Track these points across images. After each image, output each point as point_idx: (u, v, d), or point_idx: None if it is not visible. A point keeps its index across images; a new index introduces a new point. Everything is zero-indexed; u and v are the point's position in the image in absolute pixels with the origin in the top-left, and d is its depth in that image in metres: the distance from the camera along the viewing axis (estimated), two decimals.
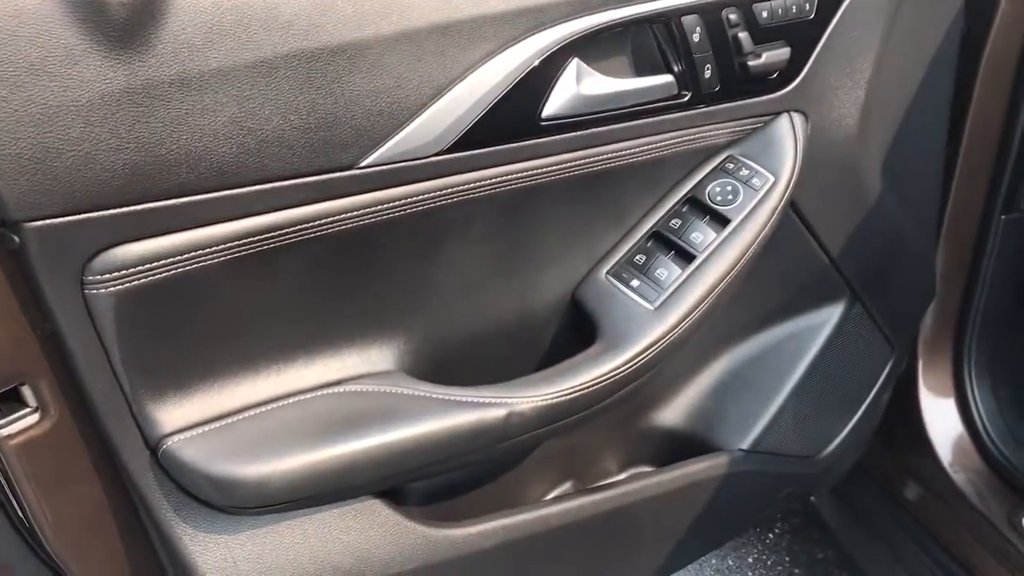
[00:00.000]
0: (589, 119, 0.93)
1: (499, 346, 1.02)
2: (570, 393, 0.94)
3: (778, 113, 1.08)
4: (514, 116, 0.89)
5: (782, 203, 1.05)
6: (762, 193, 1.04)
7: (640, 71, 0.98)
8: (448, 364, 0.98)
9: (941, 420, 1.57)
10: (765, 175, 1.05)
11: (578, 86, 0.91)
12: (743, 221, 1.04)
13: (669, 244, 1.05)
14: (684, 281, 1.02)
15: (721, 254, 1.02)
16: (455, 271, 0.95)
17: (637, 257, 1.04)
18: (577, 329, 1.04)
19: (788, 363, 1.28)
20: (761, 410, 1.27)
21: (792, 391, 1.28)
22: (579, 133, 0.93)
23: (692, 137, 1.03)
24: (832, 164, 1.13)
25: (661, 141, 1.01)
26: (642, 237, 1.06)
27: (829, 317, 1.29)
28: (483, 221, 0.94)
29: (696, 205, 1.06)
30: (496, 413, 0.90)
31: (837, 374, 1.33)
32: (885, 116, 1.18)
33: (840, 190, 1.17)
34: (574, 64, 0.91)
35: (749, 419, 1.27)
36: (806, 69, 1.06)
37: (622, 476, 1.30)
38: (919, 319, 1.43)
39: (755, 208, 1.04)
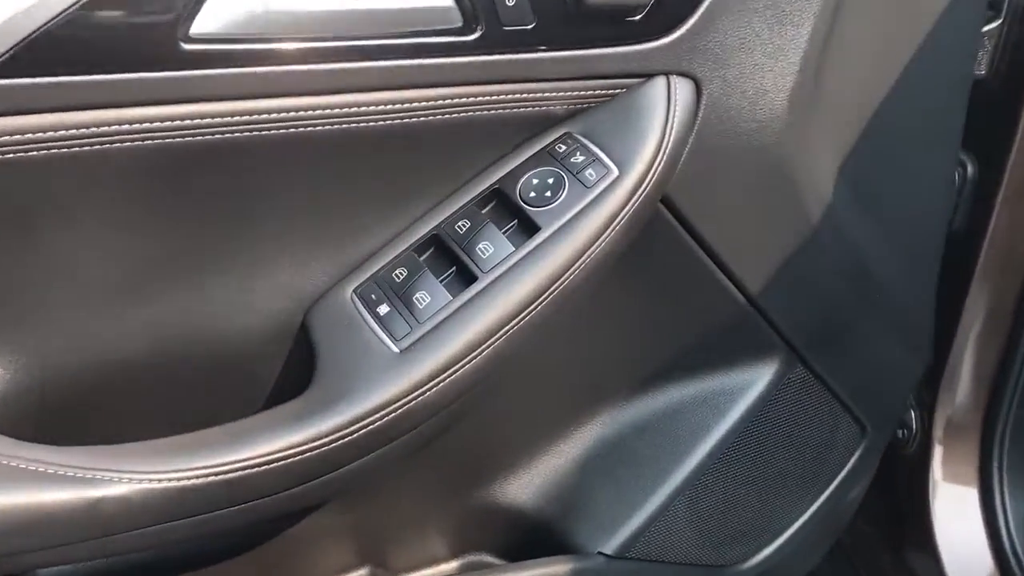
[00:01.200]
0: (288, 50, 0.59)
1: (168, 388, 0.69)
2: (223, 472, 0.60)
3: (648, 76, 0.70)
4: (130, 32, 0.55)
5: (631, 209, 0.68)
6: (596, 192, 0.68)
7: None
8: (74, 408, 0.65)
9: (957, 525, 1.20)
10: (605, 165, 0.68)
11: None
12: (560, 231, 0.68)
13: (448, 256, 0.69)
14: (452, 314, 0.66)
15: (516, 277, 0.67)
16: (75, 268, 0.62)
17: (398, 271, 0.69)
18: (300, 371, 0.70)
19: (686, 440, 0.91)
20: (640, 500, 0.91)
21: (691, 477, 0.91)
22: (273, 70, 0.59)
23: (504, 101, 0.68)
24: (743, 159, 0.76)
25: (446, 101, 0.66)
26: (415, 243, 0.71)
27: (753, 380, 0.91)
28: (117, 194, 0.61)
29: (502, 202, 0.71)
30: (74, 496, 0.57)
31: (768, 459, 0.95)
32: (841, 96, 0.79)
33: (759, 199, 0.79)
34: None
35: (622, 512, 0.91)
36: (700, 11, 0.69)
37: (453, 565, 0.95)
38: (904, 391, 1.03)
39: (582, 213, 0.68)
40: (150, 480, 0.59)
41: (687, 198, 0.75)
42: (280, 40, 0.60)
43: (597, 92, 0.71)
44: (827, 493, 1.03)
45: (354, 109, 0.64)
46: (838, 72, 0.79)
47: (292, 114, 0.62)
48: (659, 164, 0.69)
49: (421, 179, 0.71)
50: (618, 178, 0.69)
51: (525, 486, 0.92)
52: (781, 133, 0.77)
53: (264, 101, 0.60)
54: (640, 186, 0.69)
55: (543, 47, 0.67)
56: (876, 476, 1.10)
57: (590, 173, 0.69)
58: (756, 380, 0.92)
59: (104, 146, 0.58)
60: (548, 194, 0.69)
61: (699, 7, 0.70)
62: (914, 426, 1.16)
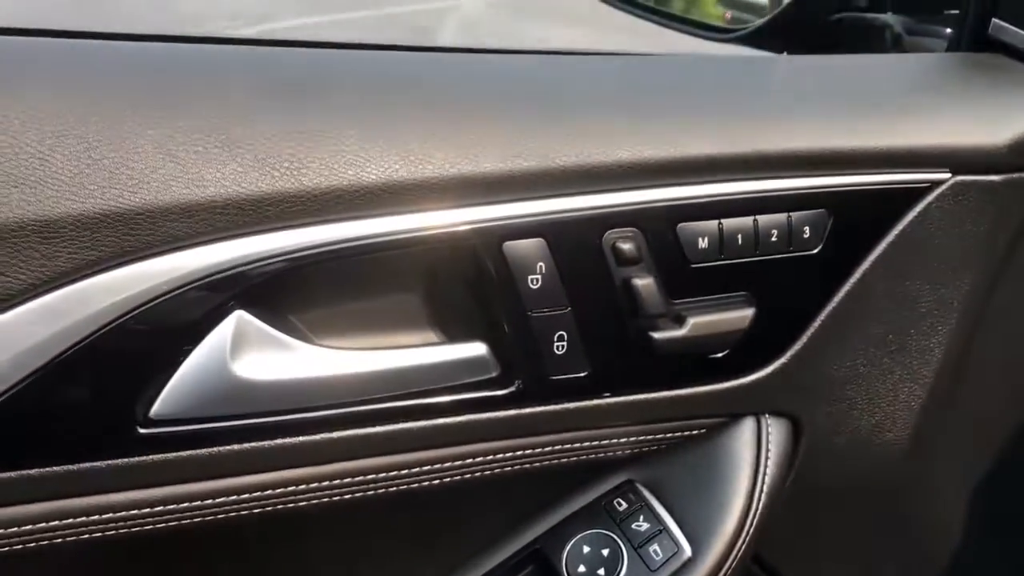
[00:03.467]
0: (270, 423, 0.47)
1: None
2: None
3: (732, 416, 0.57)
4: (77, 414, 0.44)
5: None
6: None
7: (406, 326, 0.50)
8: None
9: None
10: (676, 541, 0.54)
11: (234, 365, 0.45)
12: None
13: None
14: None
15: None
16: None
17: None
18: None
19: None
20: None
21: None
22: (250, 446, 0.47)
23: (549, 454, 0.54)
24: (852, 506, 0.61)
25: (476, 460, 0.53)
26: None
27: None
28: None
29: (543, 572, 0.57)
30: None
31: None
32: (972, 414, 0.64)
33: (871, 544, 0.63)
34: (233, 323, 0.44)
35: None
36: (801, 342, 0.55)
37: None
38: None
39: None
40: None
41: (780, 552, 0.60)
42: (262, 415, 0.47)
43: (667, 436, 0.57)
44: None
45: (354, 479, 0.51)
46: (973, 390, 0.63)
47: (274, 491, 0.49)
48: (745, 538, 0.55)
49: (438, 543, 0.57)
50: (691, 561, 0.54)
51: None
52: (901, 473, 0.61)
53: (235, 480, 0.48)
54: (719, 571, 0.54)
55: (600, 394, 0.53)
56: None
57: (655, 551, 0.55)
58: None
59: (55, 540, 0.47)
60: (601, 573, 0.55)
61: (799, 338, 0.56)
62: None
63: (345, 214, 0.46)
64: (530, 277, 0.49)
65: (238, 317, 0.45)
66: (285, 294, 0.47)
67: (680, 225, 0.51)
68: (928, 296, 0.58)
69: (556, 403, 0.53)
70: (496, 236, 0.48)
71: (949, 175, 0.56)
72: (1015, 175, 0.57)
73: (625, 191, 0.50)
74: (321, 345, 0.48)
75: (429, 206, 0.47)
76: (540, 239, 0.49)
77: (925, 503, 0.64)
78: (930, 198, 0.56)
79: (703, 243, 0.52)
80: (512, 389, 0.52)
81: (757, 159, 0.52)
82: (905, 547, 0.66)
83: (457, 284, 0.50)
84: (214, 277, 0.44)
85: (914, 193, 0.56)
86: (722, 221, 0.52)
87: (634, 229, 0.50)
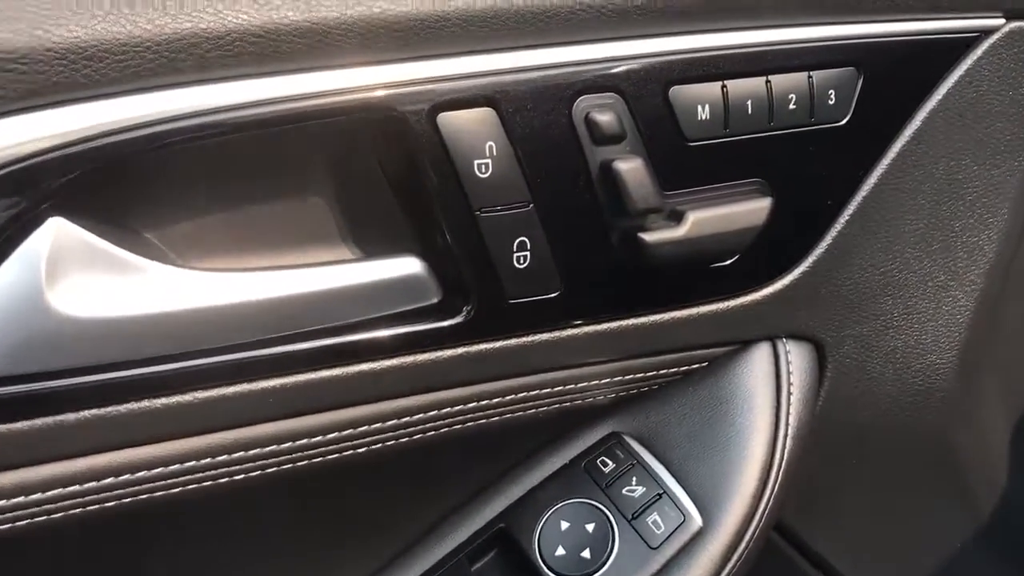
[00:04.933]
0: (115, 380, 0.32)
1: None
2: None
3: (743, 343, 0.44)
4: None
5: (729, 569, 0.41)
6: (666, 556, 0.41)
7: (310, 238, 0.36)
8: None
9: None
10: (680, 508, 0.41)
11: (51, 295, 0.30)
12: None
13: None
14: None
15: None
16: None
17: None
18: None
19: None
20: None
21: None
22: (88, 415, 0.32)
23: (512, 403, 0.41)
24: (888, 446, 0.48)
25: (415, 418, 0.39)
26: None
27: None
28: None
29: (508, 557, 0.43)
30: None
31: None
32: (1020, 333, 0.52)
33: (912, 494, 0.51)
34: (49, 236, 0.29)
35: None
36: (825, 243, 0.42)
37: None
38: None
39: None
40: None
41: (804, 513, 0.48)
42: (102, 369, 0.33)
43: (661, 372, 0.44)
44: None
45: (246, 453, 0.37)
46: (1020, 301, 0.52)
47: (132, 476, 0.35)
48: (769, 500, 0.42)
49: (369, 530, 0.44)
50: (702, 532, 0.41)
51: None
52: (946, 405, 0.49)
53: (69, 464, 0.34)
54: (739, 542, 0.41)
55: (575, 321, 0.40)
56: None
57: (655, 522, 0.42)
58: None
59: None
60: (587, 555, 0.42)
61: (823, 238, 0.43)
62: None
63: (206, 73, 0.31)
64: (477, 163, 0.35)
65: (56, 228, 0.31)
66: (126, 193, 0.33)
67: (673, 89, 0.38)
68: (977, 179, 0.45)
69: (518, 335, 0.40)
70: (427, 104, 0.34)
71: (1003, 20, 0.44)
72: None
73: (600, 43, 0.37)
74: (187, 267, 0.33)
75: (331, 61, 0.33)
76: (489, 109, 0.35)
77: (974, 444, 0.53)
78: (980, 51, 0.43)
79: (703, 113, 0.39)
80: (459, 319, 0.38)
81: (769, 0, 0.39)
82: (953, 501, 0.54)
83: (376, 175, 0.36)
84: (13, 167, 0.29)
85: (961, 45, 0.43)
86: (726, 84, 0.39)
87: (614, 95, 0.37)
